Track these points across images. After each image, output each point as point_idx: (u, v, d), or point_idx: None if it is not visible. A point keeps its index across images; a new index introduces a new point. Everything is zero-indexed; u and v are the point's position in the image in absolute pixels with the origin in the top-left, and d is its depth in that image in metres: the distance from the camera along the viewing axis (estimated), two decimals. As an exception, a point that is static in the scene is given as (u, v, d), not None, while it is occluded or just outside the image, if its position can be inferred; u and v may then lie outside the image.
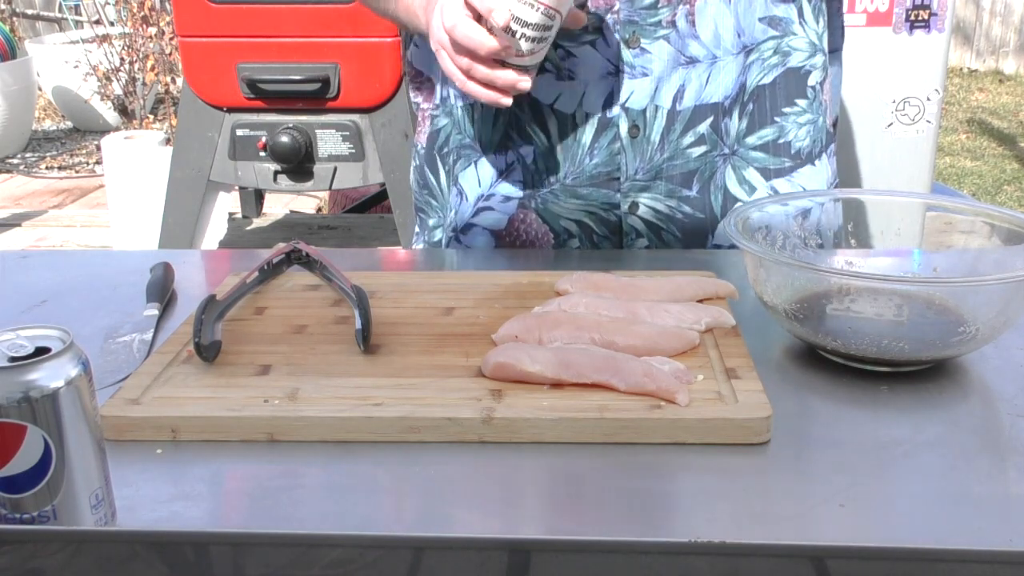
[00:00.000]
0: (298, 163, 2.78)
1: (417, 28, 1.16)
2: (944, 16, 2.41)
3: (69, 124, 5.63)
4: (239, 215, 3.77)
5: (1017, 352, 0.92)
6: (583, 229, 1.22)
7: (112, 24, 5.23)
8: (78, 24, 5.92)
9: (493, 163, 1.21)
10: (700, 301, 0.99)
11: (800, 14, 1.18)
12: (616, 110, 1.15)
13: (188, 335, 0.90)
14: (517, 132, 1.18)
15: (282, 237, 3.59)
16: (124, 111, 5.05)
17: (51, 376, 0.62)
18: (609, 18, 1.11)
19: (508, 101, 1.04)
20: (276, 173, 2.82)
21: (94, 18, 5.44)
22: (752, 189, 1.20)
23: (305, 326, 0.96)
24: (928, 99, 2.46)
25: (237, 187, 3.18)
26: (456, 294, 1.03)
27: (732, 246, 1.16)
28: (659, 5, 1.11)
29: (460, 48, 1.02)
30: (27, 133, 5.29)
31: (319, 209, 4.21)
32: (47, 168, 4.96)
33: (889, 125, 2.45)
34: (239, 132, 2.80)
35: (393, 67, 2.71)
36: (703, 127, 1.17)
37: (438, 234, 1.30)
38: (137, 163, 3.54)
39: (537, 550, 0.57)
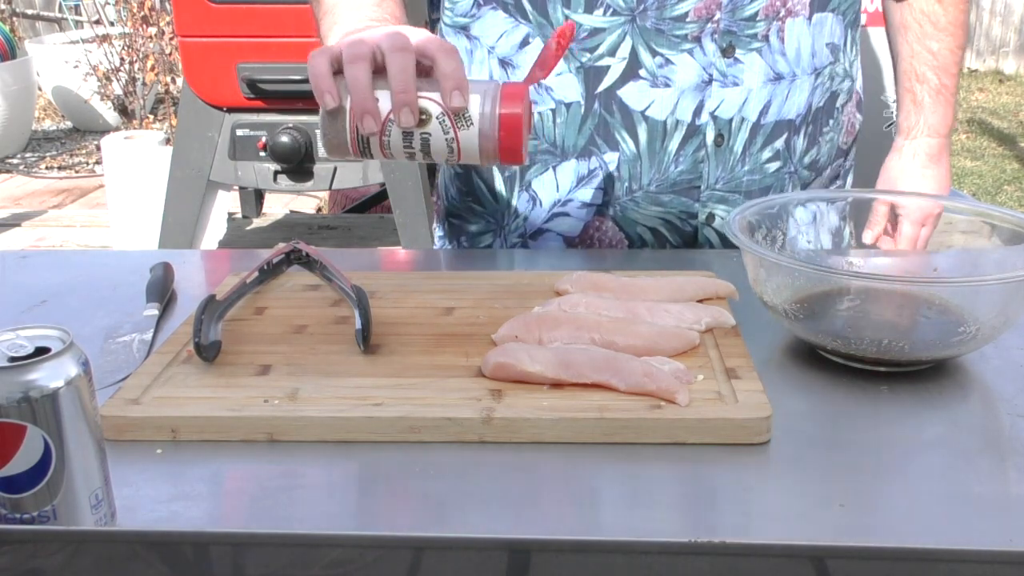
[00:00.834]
0: (298, 163, 2.78)
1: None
2: (944, 16, 2.40)
3: (69, 124, 5.63)
4: (239, 215, 3.76)
5: (1017, 352, 0.92)
6: (657, 237, 1.23)
7: (112, 24, 5.23)
8: (78, 24, 5.92)
9: (574, 169, 1.20)
10: (700, 301, 0.99)
11: (845, 43, 1.23)
12: (705, 117, 1.16)
13: (188, 335, 0.90)
14: (604, 138, 1.18)
15: (282, 237, 3.58)
16: (124, 111, 5.05)
17: (51, 376, 0.62)
18: (708, 27, 1.13)
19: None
20: (276, 173, 2.81)
21: (94, 18, 5.44)
22: None
23: (305, 326, 0.96)
24: (928, 99, 2.45)
25: (237, 187, 3.18)
26: (456, 294, 1.03)
27: None
28: (757, 18, 1.14)
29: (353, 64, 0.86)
30: (27, 133, 5.29)
31: (319, 209, 4.21)
32: (47, 168, 4.96)
33: (889, 125, 2.45)
34: (239, 132, 2.80)
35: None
36: (779, 143, 1.20)
37: (486, 239, 1.28)
38: (137, 163, 3.54)
39: (537, 550, 0.57)
